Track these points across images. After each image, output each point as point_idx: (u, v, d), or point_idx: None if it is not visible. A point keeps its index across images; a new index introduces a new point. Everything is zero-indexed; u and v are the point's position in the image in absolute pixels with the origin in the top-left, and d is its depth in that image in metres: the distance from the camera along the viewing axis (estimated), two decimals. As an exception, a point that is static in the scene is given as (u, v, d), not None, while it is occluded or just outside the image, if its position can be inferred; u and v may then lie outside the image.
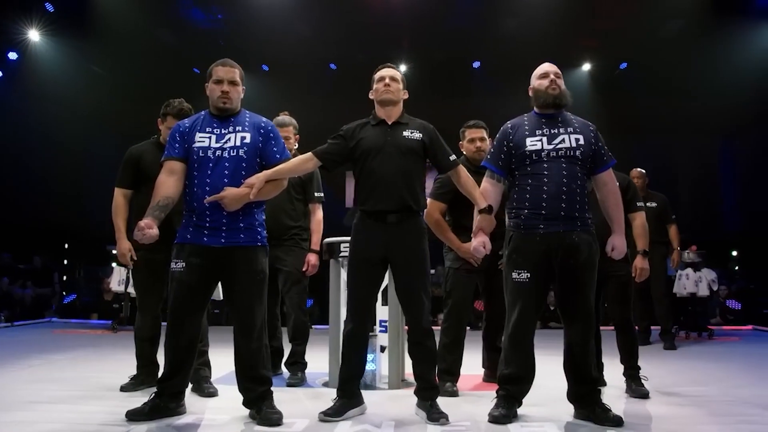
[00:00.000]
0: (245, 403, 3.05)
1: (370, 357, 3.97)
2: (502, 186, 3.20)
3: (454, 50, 11.36)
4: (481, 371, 4.24)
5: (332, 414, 3.02)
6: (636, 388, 3.62)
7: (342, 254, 4.02)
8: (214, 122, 3.08)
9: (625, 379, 3.71)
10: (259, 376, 3.01)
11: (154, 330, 3.74)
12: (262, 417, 2.92)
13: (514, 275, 3.03)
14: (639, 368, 3.71)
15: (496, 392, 3.13)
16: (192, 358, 3.08)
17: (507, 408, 3.03)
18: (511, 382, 3.07)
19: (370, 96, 3.26)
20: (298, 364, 4.09)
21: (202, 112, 3.16)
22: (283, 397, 3.29)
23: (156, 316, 3.75)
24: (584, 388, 3.05)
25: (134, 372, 3.76)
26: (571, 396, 3.11)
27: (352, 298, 3.13)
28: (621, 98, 11.17)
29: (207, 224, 2.96)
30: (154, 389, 3.63)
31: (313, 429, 2.87)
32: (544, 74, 3.17)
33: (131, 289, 7.28)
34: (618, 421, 2.91)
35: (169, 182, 2.98)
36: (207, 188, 2.95)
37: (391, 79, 3.18)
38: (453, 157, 3.22)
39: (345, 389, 3.13)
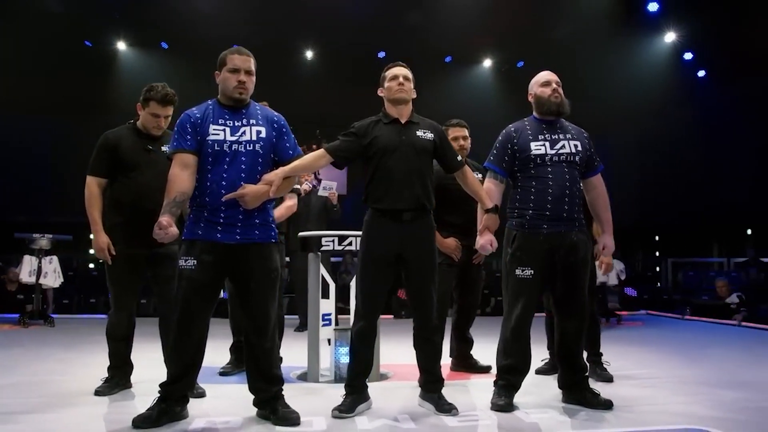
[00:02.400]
0: (257, 404, 2.98)
1: (345, 350, 4.01)
2: (503, 186, 3.35)
3: (358, 39, 11.46)
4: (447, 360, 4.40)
5: (345, 410, 3.03)
6: (601, 372, 3.95)
7: (323, 248, 4.01)
8: (225, 113, 2.94)
9: (589, 364, 4.02)
10: (273, 375, 2.96)
11: (130, 329, 3.53)
12: (279, 417, 2.87)
13: (518, 272, 3.20)
14: (602, 354, 4.05)
15: (495, 382, 3.30)
16: (200, 360, 2.95)
17: (508, 397, 3.21)
18: (511, 373, 3.25)
19: (380, 93, 3.27)
20: (274, 359, 4.02)
21: (210, 102, 3.01)
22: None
23: (131, 314, 3.53)
24: (576, 376, 3.30)
25: (86, 370, 3.53)
26: (563, 383, 3.36)
27: (365, 295, 3.14)
28: (520, 93, 11.82)
29: (221, 220, 2.84)
30: (130, 390, 3.51)
31: (334, 426, 2.86)
32: (546, 83, 3.34)
33: (43, 281, 6.79)
34: (608, 405, 3.19)
35: (183, 176, 2.82)
36: (223, 183, 2.83)
37: (405, 78, 3.21)
38: (459, 157, 3.32)
39: (354, 385, 3.15)
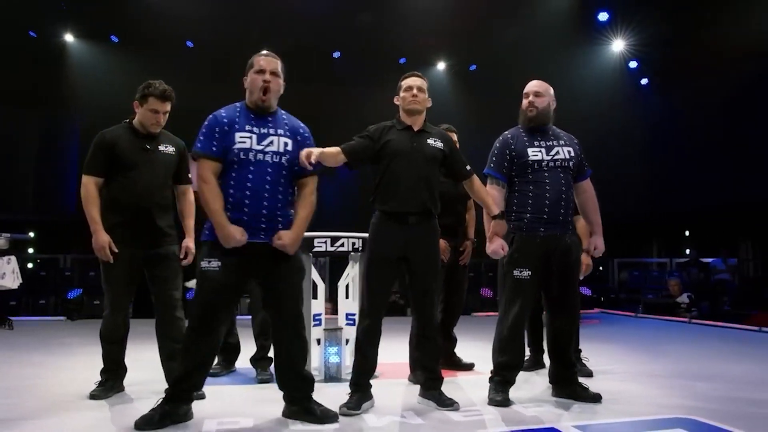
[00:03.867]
0: (289, 401, 3.01)
1: (334, 350, 4.08)
2: (505, 191, 3.48)
3: (313, 39, 11.46)
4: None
5: (353, 407, 3.09)
6: (581, 368, 4.14)
7: (316, 249, 4.05)
8: (251, 119, 2.95)
9: (569, 360, 4.22)
10: (307, 374, 3.03)
11: (125, 330, 3.48)
12: (319, 416, 2.92)
13: (516, 273, 3.34)
14: (581, 350, 4.25)
15: (491, 378, 3.43)
16: (212, 360, 2.96)
17: (505, 392, 3.35)
18: (507, 369, 3.39)
19: (395, 101, 3.37)
20: (266, 359, 4.04)
21: (238, 104, 3.00)
22: (271, 395, 3.29)
23: (127, 315, 3.48)
24: (567, 372, 3.48)
25: (72, 373, 3.46)
26: (554, 378, 3.52)
27: (370, 294, 3.21)
28: (474, 96, 12.08)
29: (245, 219, 2.84)
30: (124, 391, 3.48)
31: (346, 424, 2.92)
32: (525, 94, 3.51)
33: (4, 282, 6.50)
34: (598, 398, 3.38)
35: (216, 185, 2.86)
36: (248, 193, 2.85)
37: (419, 89, 3.31)
38: (468, 166, 3.42)
39: (360, 383, 3.21)
